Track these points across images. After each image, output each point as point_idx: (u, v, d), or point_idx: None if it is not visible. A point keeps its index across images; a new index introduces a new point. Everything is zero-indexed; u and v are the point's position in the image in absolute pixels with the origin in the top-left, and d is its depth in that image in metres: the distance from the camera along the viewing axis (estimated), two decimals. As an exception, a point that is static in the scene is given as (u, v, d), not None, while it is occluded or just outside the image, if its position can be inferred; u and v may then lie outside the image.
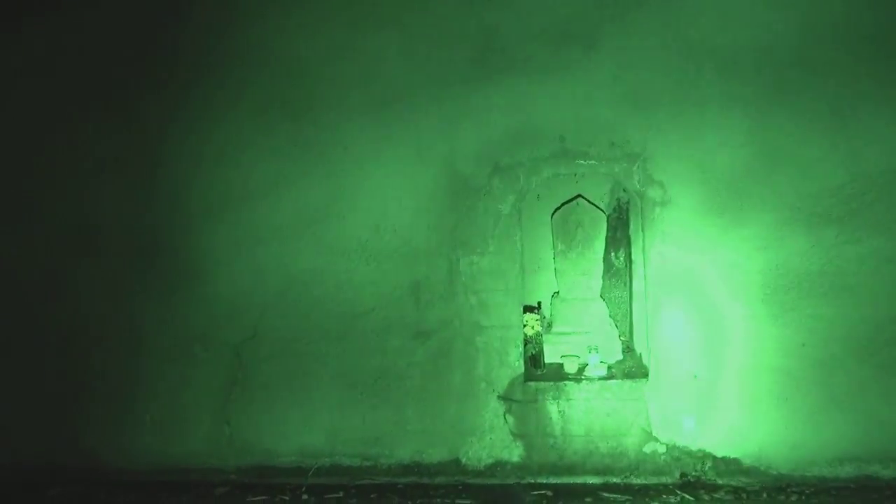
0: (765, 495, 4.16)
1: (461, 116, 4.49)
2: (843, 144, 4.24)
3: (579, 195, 5.00)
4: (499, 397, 4.50)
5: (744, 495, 4.17)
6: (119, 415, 4.70)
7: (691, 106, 4.34)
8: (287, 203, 4.59)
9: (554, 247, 5.05)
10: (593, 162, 4.45)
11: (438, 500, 4.27)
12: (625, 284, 5.10)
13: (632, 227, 4.92)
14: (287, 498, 4.37)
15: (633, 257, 4.92)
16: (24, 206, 4.83)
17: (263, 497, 4.38)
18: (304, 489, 4.45)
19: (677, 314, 4.37)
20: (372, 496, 4.36)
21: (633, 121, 4.39)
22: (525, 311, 4.65)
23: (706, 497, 4.17)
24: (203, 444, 4.64)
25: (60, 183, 4.80)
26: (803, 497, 4.10)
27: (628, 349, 4.97)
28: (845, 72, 4.24)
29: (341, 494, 4.39)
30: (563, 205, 5.01)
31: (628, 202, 4.97)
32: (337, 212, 4.56)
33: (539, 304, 4.95)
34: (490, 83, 4.47)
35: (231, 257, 4.65)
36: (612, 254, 5.14)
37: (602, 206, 5.06)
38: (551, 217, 5.03)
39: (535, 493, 4.29)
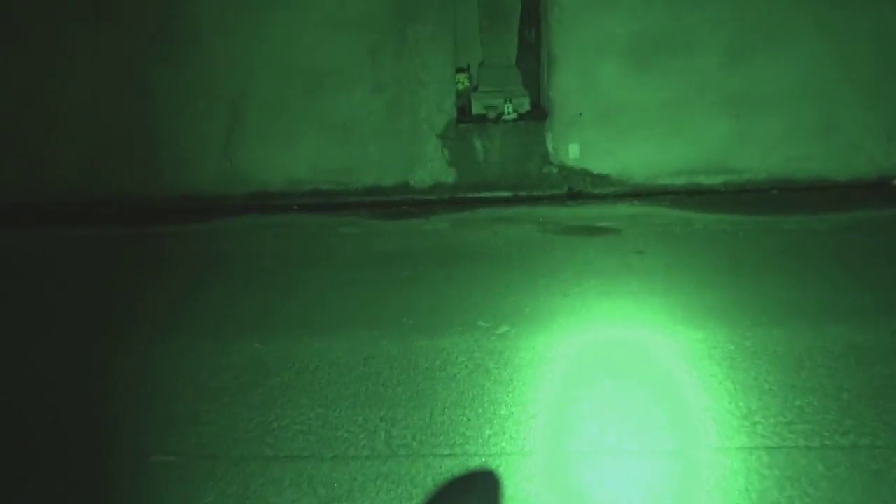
0: (626, 198, 5.95)
1: None
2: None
3: (500, -22, 6.24)
4: (437, 136, 6.01)
5: (611, 198, 5.95)
6: (142, 157, 5.99)
7: None
8: (269, -19, 5.68)
9: (480, 22, 6.36)
10: (510, -53, 5.68)
11: (394, 209, 5.89)
12: (535, 53, 6.52)
13: (540, 4, 6.24)
14: (281, 211, 5.91)
15: (541, 30, 6.31)
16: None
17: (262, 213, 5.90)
18: (294, 206, 5.99)
19: (569, 72, 5.87)
20: (346, 210, 5.94)
21: (541, -89, 5.57)
22: (457, 72, 6.07)
23: (585, 201, 5.93)
24: (211, 177, 6.03)
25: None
26: (651, 197, 5.90)
27: (535, 104, 6.50)
28: None
29: (322, 209, 5.96)
30: (487, -13, 6.26)
31: (538, -16, 6.25)
32: (309, -12, 5.70)
33: (468, 65, 6.36)
34: None
35: (225, 28, 5.77)
36: (526, 30, 6.50)
37: (518, -13, 6.34)
38: (477, -3, 6.30)
39: (466, 202, 5.96)
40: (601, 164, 6.02)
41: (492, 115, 6.16)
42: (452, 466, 2.22)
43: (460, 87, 6.10)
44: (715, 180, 6.02)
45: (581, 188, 6.08)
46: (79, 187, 5.99)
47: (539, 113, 6.22)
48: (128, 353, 3.12)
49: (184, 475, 2.20)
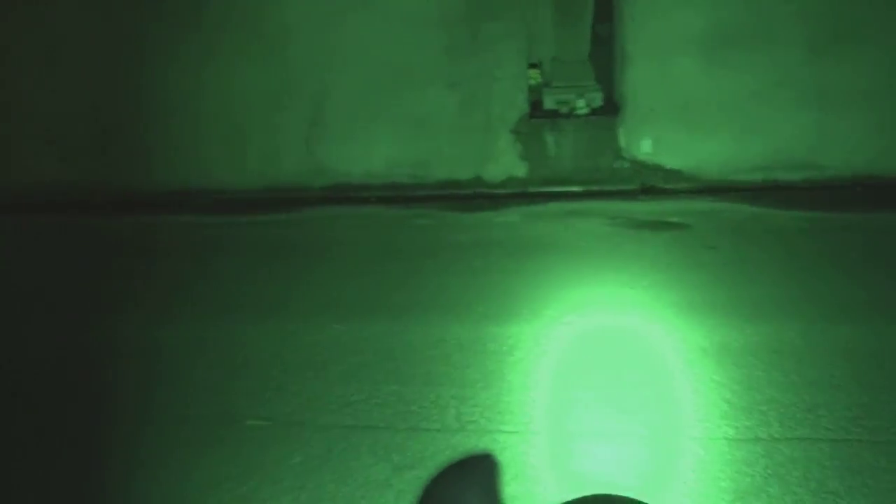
0: (698, 194, 5.90)
1: None
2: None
3: (575, -25, 6.29)
4: (510, 131, 6.13)
5: (684, 194, 5.92)
6: (231, 150, 6.38)
7: None
8: (350, -15, 5.95)
9: (553, 18, 6.43)
10: (585, -57, 5.72)
11: (467, 202, 6.05)
12: (608, 49, 6.52)
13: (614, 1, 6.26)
14: (360, 203, 6.18)
15: (614, 25, 6.31)
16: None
17: (341, 204, 6.18)
18: (372, 198, 6.25)
19: (643, 66, 5.87)
20: (420, 203, 6.14)
21: None
22: (530, 67, 6.17)
23: (656, 196, 5.92)
24: (294, 169, 6.36)
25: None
26: (726, 193, 5.82)
27: (608, 99, 6.51)
28: None
29: (398, 201, 6.19)
30: (561, -17, 6.32)
31: (613, -21, 6.25)
32: (390, -10, 5.94)
33: (540, 62, 6.43)
34: None
35: (308, 27, 6.08)
36: (598, 24, 6.51)
37: (593, -17, 6.37)
38: (552, -6, 6.36)
39: (537, 196, 6.06)
40: (674, 160, 5.99)
41: (564, 109, 6.22)
42: (517, 443, 2.36)
43: (532, 82, 6.19)
44: (794, 177, 5.88)
45: (653, 183, 6.07)
46: (175, 179, 6.44)
47: (611, 108, 6.24)
48: (220, 331, 3.41)
49: (274, 439, 2.44)
